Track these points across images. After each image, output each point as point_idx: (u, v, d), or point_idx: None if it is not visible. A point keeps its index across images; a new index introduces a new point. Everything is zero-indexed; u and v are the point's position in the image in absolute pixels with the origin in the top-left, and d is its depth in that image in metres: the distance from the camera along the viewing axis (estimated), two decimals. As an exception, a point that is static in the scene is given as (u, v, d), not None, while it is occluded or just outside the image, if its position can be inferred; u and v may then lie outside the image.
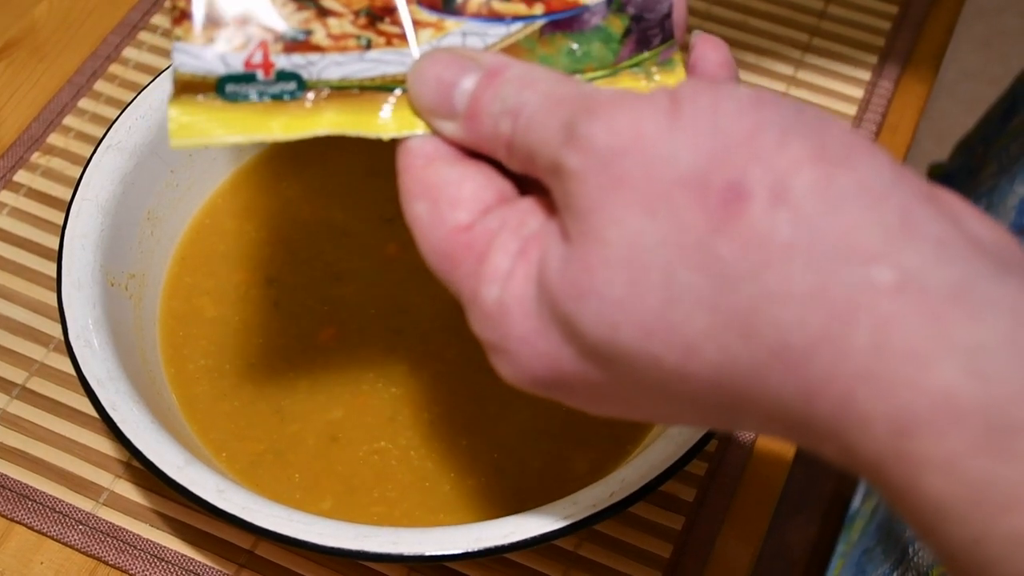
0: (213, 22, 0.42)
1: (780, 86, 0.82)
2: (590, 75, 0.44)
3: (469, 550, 0.51)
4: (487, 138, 0.40)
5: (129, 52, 0.83)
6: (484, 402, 0.63)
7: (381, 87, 0.43)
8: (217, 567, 0.62)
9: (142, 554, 0.62)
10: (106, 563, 0.62)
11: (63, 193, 0.75)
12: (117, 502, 0.64)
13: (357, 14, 0.43)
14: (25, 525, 0.63)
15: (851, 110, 0.81)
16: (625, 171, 0.35)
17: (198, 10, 0.42)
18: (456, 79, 0.41)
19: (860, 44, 0.85)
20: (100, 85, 0.81)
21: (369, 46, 0.43)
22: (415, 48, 0.44)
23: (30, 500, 0.64)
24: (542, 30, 0.44)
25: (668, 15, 0.45)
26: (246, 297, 0.67)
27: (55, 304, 0.69)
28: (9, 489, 0.64)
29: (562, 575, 0.62)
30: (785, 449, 0.66)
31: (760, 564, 0.65)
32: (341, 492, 0.60)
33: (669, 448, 0.53)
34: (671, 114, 0.35)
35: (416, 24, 0.44)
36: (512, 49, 0.44)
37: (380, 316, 0.66)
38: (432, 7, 0.44)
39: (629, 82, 0.44)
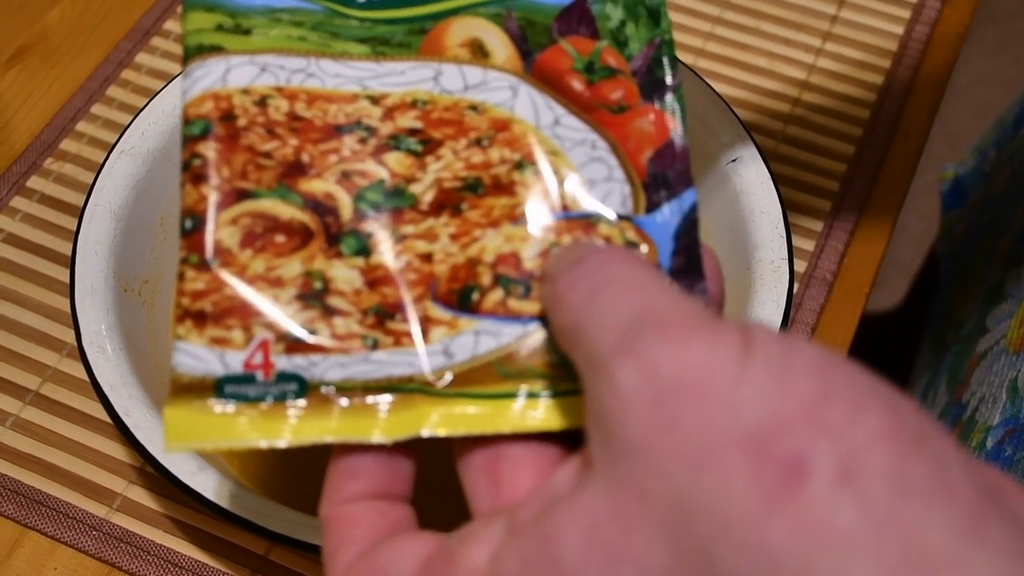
0: (214, 322, 0.41)
1: (793, 91, 0.82)
2: None
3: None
4: (552, 294, 0.38)
5: (142, 58, 0.83)
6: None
7: (386, 388, 0.41)
8: (230, 572, 0.62)
9: (156, 560, 0.62)
10: (120, 569, 0.62)
11: (76, 199, 0.76)
12: (130, 508, 0.64)
13: (365, 313, 0.42)
14: (39, 531, 0.63)
15: (864, 114, 0.81)
16: (681, 412, 0.30)
17: (201, 310, 0.41)
18: (582, 245, 0.40)
19: (872, 49, 0.85)
20: (113, 91, 0.81)
21: (375, 347, 0.42)
22: (422, 348, 0.42)
23: (43, 506, 0.64)
24: None
25: None
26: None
27: (68, 310, 0.69)
28: (23, 495, 0.64)
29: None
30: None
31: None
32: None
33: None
34: (742, 359, 0.31)
35: (429, 321, 0.42)
36: (528, 350, 0.42)
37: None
38: (447, 304, 0.42)
39: None
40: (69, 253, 0.66)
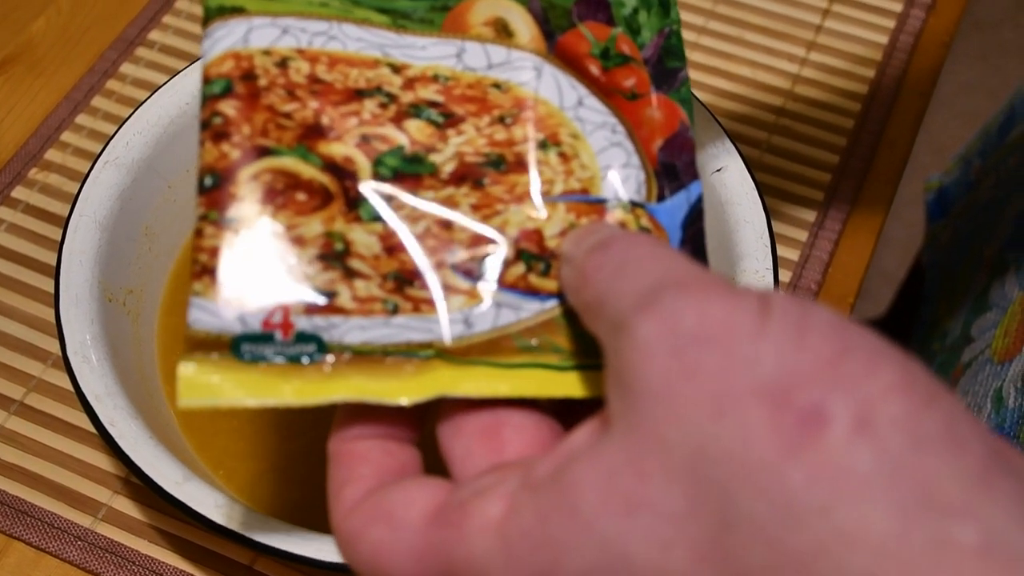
0: (235, 279, 0.40)
1: (778, 101, 0.82)
2: None
3: (468, 565, 0.51)
4: (578, 274, 0.38)
5: (126, 68, 0.83)
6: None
7: (406, 352, 0.41)
8: (215, 583, 0.62)
9: (140, 570, 0.62)
10: (104, 579, 0.62)
11: (61, 209, 0.76)
12: (116, 518, 0.64)
13: (385, 277, 0.42)
14: (24, 541, 0.63)
15: (849, 123, 0.81)
16: (701, 362, 0.31)
17: (220, 266, 0.40)
18: (599, 228, 0.41)
19: (857, 58, 0.85)
20: (97, 101, 0.81)
21: (396, 311, 0.41)
22: (444, 316, 0.42)
23: (28, 516, 0.64)
24: None
25: None
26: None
27: (53, 320, 0.69)
28: (7, 505, 0.64)
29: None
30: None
31: None
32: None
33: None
34: (760, 316, 0.32)
35: (447, 290, 0.42)
36: (547, 325, 0.42)
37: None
38: (467, 274, 0.42)
39: None
40: (54, 263, 0.66)
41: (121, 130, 0.65)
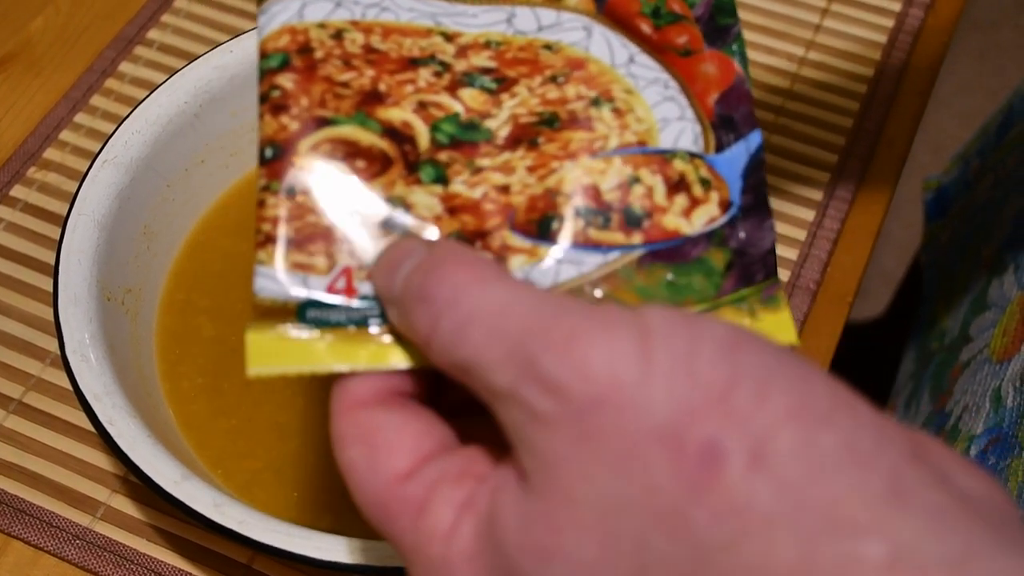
0: (297, 247, 0.41)
1: (776, 100, 0.82)
2: (690, 308, 0.42)
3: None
4: (411, 330, 0.38)
5: (125, 67, 0.83)
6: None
7: None
8: (214, 582, 0.62)
9: (139, 568, 0.62)
10: (103, 578, 0.62)
11: (59, 208, 0.75)
12: (114, 517, 0.64)
13: (447, 238, 0.42)
14: (22, 540, 0.63)
15: (847, 123, 0.81)
16: (599, 424, 0.32)
17: (283, 235, 0.41)
18: (400, 260, 0.39)
19: (855, 58, 0.85)
20: (96, 100, 0.81)
21: None
22: None
23: (27, 515, 0.64)
24: (640, 260, 0.43)
25: (771, 251, 0.44)
26: (242, 316, 0.67)
27: (51, 319, 0.69)
28: (6, 504, 0.64)
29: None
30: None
31: None
32: (341, 509, 0.60)
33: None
34: (643, 354, 0.32)
35: (508, 249, 0.42)
36: (608, 278, 0.42)
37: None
38: (526, 233, 0.42)
39: (732, 317, 0.43)
40: (53, 262, 0.66)
41: (120, 129, 0.65)
